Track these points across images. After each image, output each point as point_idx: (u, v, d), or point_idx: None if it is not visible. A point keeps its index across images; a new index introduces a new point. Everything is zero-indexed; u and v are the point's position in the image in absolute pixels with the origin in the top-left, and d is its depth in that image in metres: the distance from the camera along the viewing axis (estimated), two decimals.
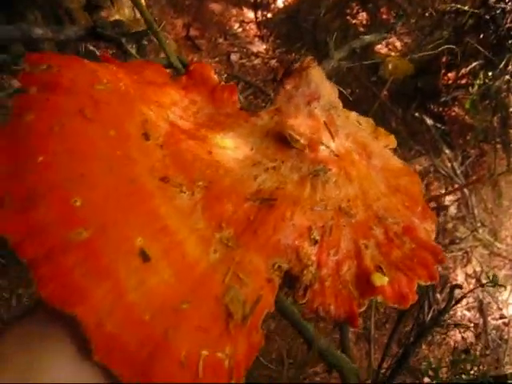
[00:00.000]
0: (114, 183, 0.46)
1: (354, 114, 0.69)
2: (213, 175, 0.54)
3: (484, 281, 3.68)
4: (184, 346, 0.43)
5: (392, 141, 0.70)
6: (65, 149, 0.45)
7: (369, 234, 0.57)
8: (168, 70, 0.69)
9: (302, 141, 0.58)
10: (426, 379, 1.85)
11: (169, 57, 1.15)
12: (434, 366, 1.77)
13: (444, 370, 1.82)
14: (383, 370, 1.83)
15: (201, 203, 0.51)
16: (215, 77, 0.67)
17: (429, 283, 0.54)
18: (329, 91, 0.65)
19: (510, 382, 1.64)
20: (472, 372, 1.75)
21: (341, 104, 0.67)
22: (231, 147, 0.58)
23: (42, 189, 0.42)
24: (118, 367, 0.41)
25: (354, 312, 0.52)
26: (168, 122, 0.58)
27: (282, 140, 0.58)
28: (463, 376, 1.73)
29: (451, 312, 3.34)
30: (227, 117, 0.62)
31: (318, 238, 0.54)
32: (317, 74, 0.65)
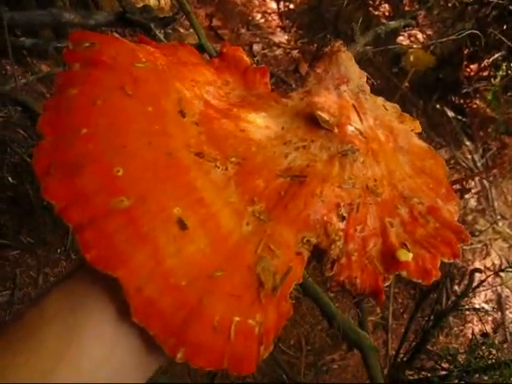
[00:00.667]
0: (153, 156, 0.48)
1: (380, 99, 0.71)
2: (245, 152, 0.56)
3: (502, 274, 3.67)
4: (217, 312, 0.45)
5: (417, 126, 0.71)
6: (107, 122, 0.47)
7: (394, 212, 0.58)
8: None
9: (331, 121, 0.60)
10: (445, 364, 1.86)
11: (200, 38, 1.16)
12: (451, 351, 1.78)
13: (462, 356, 1.82)
14: (401, 356, 1.84)
15: (234, 178, 0.53)
16: (247, 59, 0.69)
17: (452, 260, 0.56)
18: (358, 75, 0.67)
19: None
20: (490, 357, 1.76)
21: (368, 88, 0.68)
22: (263, 126, 0.59)
23: (86, 158, 0.45)
24: (154, 329, 0.43)
25: (379, 286, 0.54)
26: (202, 101, 0.60)
27: (311, 120, 0.60)
28: (482, 361, 1.74)
29: (469, 305, 3.33)
30: (259, 98, 0.64)
31: (345, 214, 0.56)
32: (346, 58, 0.66)
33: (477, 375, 1.73)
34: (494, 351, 1.82)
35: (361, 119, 0.63)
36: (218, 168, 0.53)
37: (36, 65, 2.84)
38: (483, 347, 1.83)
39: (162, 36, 1.28)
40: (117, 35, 0.59)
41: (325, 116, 0.59)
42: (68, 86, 0.49)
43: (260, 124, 0.60)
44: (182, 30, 3.61)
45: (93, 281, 0.45)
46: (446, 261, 0.56)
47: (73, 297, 0.47)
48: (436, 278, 0.55)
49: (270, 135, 0.59)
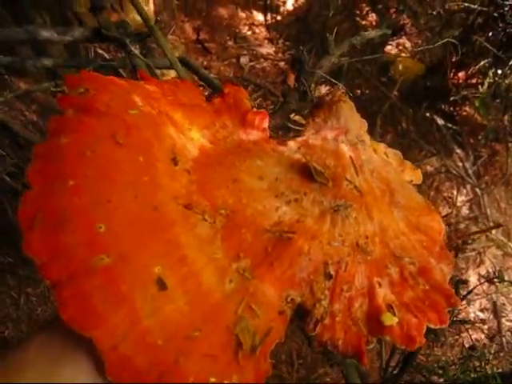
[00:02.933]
0: (138, 210, 0.48)
1: (382, 146, 0.70)
2: (235, 204, 0.55)
3: (496, 281, 3.63)
4: (193, 372, 0.45)
5: (418, 176, 0.71)
6: (95, 174, 0.47)
7: (384, 272, 0.58)
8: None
9: (325, 174, 0.59)
10: (435, 378, 1.85)
11: (165, 53, 1.17)
12: (441, 364, 1.77)
13: (453, 368, 1.81)
14: (391, 369, 1.83)
15: (221, 232, 0.53)
16: (248, 102, 0.68)
17: (438, 327, 0.55)
18: (358, 125, 0.66)
19: None
20: (479, 369, 1.74)
21: (368, 138, 0.68)
22: (256, 176, 0.59)
23: (70, 212, 0.45)
24: None
25: (362, 349, 0.54)
26: (198, 147, 0.60)
27: (306, 172, 0.59)
28: (471, 374, 1.73)
29: (463, 313, 3.29)
30: (255, 144, 0.64)
31: (333, 273, 0.55)
32: (347, 108, 0.66)
33: None
34: (483, 364, 1.80)
35: (357, 172, 0.62)
36: (206, 221, 0.53)
37: (14, 82, 2.85)
38: (473, 359, 1.82)
39: (137, 51, 1.28)
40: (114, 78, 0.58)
41: (320, 168, 0.59)
42: (60, 133, 0.49)
43: (254, 173, 0.59)
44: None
45: (71, 334, 0.45)
46: (432, 327, 0.55)
47: (51, 347, 0.47)
48: (420, 344, 0.54)
49: (262, 186, 0.58)
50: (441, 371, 1.79)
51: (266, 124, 0.67)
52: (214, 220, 0.53)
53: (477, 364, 1.79)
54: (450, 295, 0.57)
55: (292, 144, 0.64)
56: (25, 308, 2.53)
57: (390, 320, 0.53)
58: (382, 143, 0.70)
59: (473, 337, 3.29)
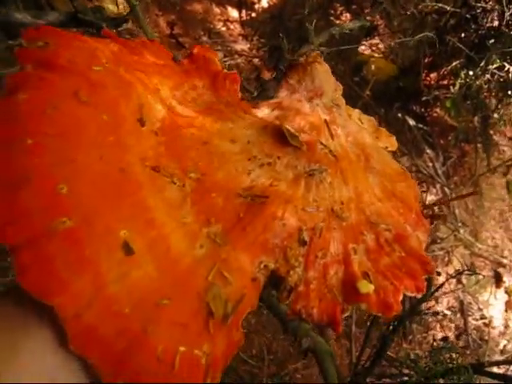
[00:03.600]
0: (103, 171, 0.45)
1: (356, 112, 0.68)
2: (206, 167, 0.53)
3: (464, 280, 3.71)
4: (162, 341, 0.43)
5: (393, 143, 0.69)
6: (56, 132, 0.44)
7: (359, 238, 0.56)
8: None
9: (300, 138, 0.57)
10: (406, 370, 1.87)
11: (145, 33, 1.13)
12: (413, 357, 1.79)
13: (424, 361, 1.84)
14: (362, 362, 1.85)
15: (191, 196, 0.51)
16: (218, 63, 0.65)
17: (414, 294, 0.54)
18: (333, 88, 0.64)
19: (487, 368, 1.67)
20: (450, 361, 1.77)
21: (343, 101, 0.66)
22: (228, 138, 0.57)
23: (29, 172, 0.42)
24: (92, 357, 0.41)
25: (337, 317, 0.52)
26: (166, 108, 0.57)
27: (280, 135, 0.57)
28: (442, 365, 1.75)
29: (431, 311, 3.36)
30: (227, 106, 0.61)
31: (307, 239, 0.53)
32: (322, 70, 0.63)
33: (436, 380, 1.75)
34: (454, 355, 1.83)
35: (332, 136, 0.60)
36: (175, 184, 0.50)
37: None
38: (443, 352, 1.84)
39: None
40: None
41: (293, 132, 0.57)
42: (18, 90, 0.46)
43: (225, 136, 0.57)
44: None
45: (32, 303, 0.43)
46: (408, 294, 0.54)
47: (11, 317, 0.44)
48: (397, 312, 0.52)
49: (234, 149, 0.56)
50: (412, 364, 1.81)
51: (237, 86, 0.64)
52: (183, 183, 0.51)
53: (447, 356, 1.82)
54: (426, 262, 0.56)
55: (265, 106, 0.62)
56: None
57: (365, 287, 0.52)
58: (356, 109, 0.69)
59: (440, 334, 3.37)
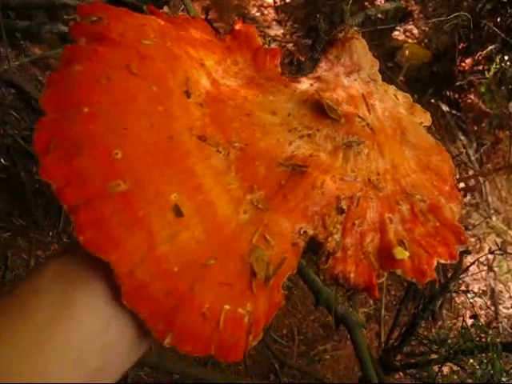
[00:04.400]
0: (154, 139, 0.47)
1: (392, 88, 0.69)
2: (249, 137, 0.55)
3: (496, 268, 3.67)
4: (208, 299, 0.46)
5: (427, 118, 0.70)
6: (110, 101, 0.47)
7: (395, 208, 0.58)
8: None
9: (338, 111, 0.59)
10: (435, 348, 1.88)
11: (189, 12, 1.15)
12: (442, 337, 1.80)
13: (454, 340, 1.84)
14: (392, 341, 1.86)
15: (235, 164, 0.53)
16: (259, 39, 0.67)
17: (448, 262, 0.56)
18: (370, 63, 0.66)
19: None
20: (478, 339, 1.77)
21: (380, 77, 0.67)
22: (269, 111, 0.59)
23: (86, 139, 0.44)
24: (144, 313, 0.43)
25: (373, 282, 0.54)
26: (210, 81, 0.59)
27: (319, 108, 0.59)
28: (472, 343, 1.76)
29: (462, 298, 3.34)
30: (267, 80, 0.63)
31: (345, 207, 0.55)
32: (360, 46, 0.65)
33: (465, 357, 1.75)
34: (482, 334, 1.83)
35: (369, 110, 0.62)
36: (220, 153, 0.53)
37: (29, 48, 2.83)
38: (472, 329, 1.84)
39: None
40: None
41: (332, 105, 0.59)
42: (73, 61, 0.49)
43: (266, 108, 0.59)
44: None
45: (88, 260, 0.45)
46: (442, 261, 0.55)
47: (68, 272, 0.47)
48: (431, 278, 0.54)
49: (275, 121, 0.58)
50: (441, 342, 1.81)
51: (277, 61, 0.66)
52: (227, 152, 0.53)
53: (476, 334, 1.82)
54: (459, 232, 0.58)
55: (304, 80, 0.64)
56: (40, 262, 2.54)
57: (401, 254, 0.54)
58: (391, 85, 0.70)
59: (470, 321, 3.36)
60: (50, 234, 2.65)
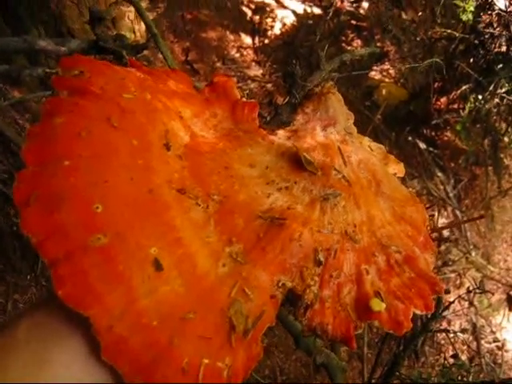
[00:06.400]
0: (134, 192, 0.48)
1: (366, 140, 0.71)
2: (228, 190, 0.56)
3: (477, 303, 3.70)
4: (187, 353, 0.46)
5: (401, 169, 0.72)
6: (90, 155, 0.47)
7: (371, 260, 0.59)
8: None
9: (315, 163, 0.60)
10: None
11: (166, 60, 1.17)
12: (424, 376, 1.80)
13: (435, 380, 1.84)
14: (374, 382, 1.85)
15: (214, 217, 0.53)
16: (237, 92, 0.69)
17: (424, 313, 0.57)
18: (346, 117, 0.68)
19: None
20: (461, 378, 1.77)
21: (355, 130, 0.69)
22: (247, 164, 0.60)
23: (66, 192, 0.45)
24: (123, 367, 0.43)
25: (351, 333, 0.55)
26: (189, 134, 0.60)
27: (296, 161, 0.60)
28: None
29: (444, 334, 3.35)
30: (246, 133, 0.64)
31: (322, 259, 0.56)
32: (336, 100, 0.67)
33: None
34: (464, 373, 1.83)
35: (345, 162, 0.63)
36: (199, 206, 0.53)
37: (9, 91, 2.85)
38: (453, 369, 1.85)
39: None
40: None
41: (309, 158, 0.60)
42: (54, 114, 0.49)
43: (245, 161, 0.60)
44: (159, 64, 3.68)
45: (64, 314, 0.45)
46: (418, 313, 0.56)
47: (43, 328, 0.46)
48: (407, 329, 0.55)
49: (253, 174, 0.59)
50: (423, 382, 1.81)
51: (255, 114, 0.67)
52: (206, 205, 0.54)
53: (458, 373, 1.82)
54: (434, 283, 0.59)
55: (282, 133, 0.65)
56: (12, 314, 2.49)
57: (378, 306, 0.55)
58: (366, 137, 0.72)
59: (452, 359, 3.36)
60: (28, 277, 2.61)
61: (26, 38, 1.41)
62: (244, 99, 0.68)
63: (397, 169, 0.72)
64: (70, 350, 0.45)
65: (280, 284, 0.54)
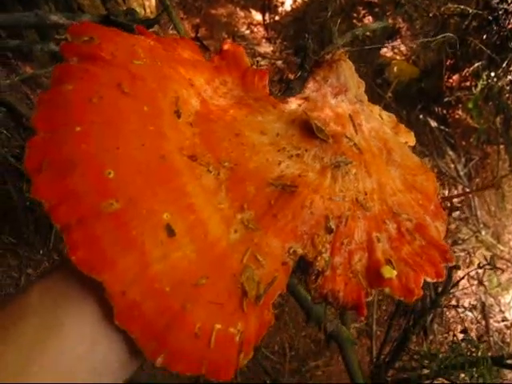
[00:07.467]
0: (146, 158, 0.48)
1: (377, 108, 0.71)
2: (239, 157, 0.56)
3: (486, 282, 3.70)
4: (199, 319, 0.46)
5: (411, 138, 0.72)
6: (102, 121, 0.47)
7: (382, 227, 0.59)
8: None
9: (326, 131, 0.60)
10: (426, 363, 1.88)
11: (179, 32, 1.16)
12: (433, 351, 1.81)
13: (444, 355, 1.85)
14: (383, 356, 1.86)
15: (226, 183, 0.53)
16: (247, 59, 0.68)
17: (435, 280, 0.57)
18: (356, 85, 0.67)
19: (507, 361, 1.68)
20: (469, 353, 1.78)
21: (366, 98, 0.68)
22: (258, 131, 0.59)
23: (78, 158, 0.45)
24: (136, 332, 0.44)
25: (362, 300, 0.55)
26: (199, 101, 0.60)
27: (307, 129, 0.60)
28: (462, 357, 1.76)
29: (453, 312, 3.35)
30: (256, 100, 0.64)
31: (333, 227, 0.56)
32: (347, 67, 0.66)
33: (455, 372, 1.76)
34: (473, 349, 1.84)
35: (356, 130, 0.62)
36: (211, 172, 0.53)
37: (20, 66, 2.85)
38: (463, 344, 1.85)
39: None
40: None
41: (320, 126, 0.59)
42: (64, 81, 0.49)
43: (255, 128, 0.60)
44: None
45: (77, 279, 0.45)
46: (429, 280, 0.56)
47: (56, 293, 0.47)
48: (418, 296, 0.55)
49: (264, 141, 0.59)
50: (432, 357, 1.82)
51: (265, 82, 0.67)
52: (218, 172, 0.54)
53: (467, 349, 1.83)
54: (445, 251, 0.59)
55: (292, 101, 0.65)
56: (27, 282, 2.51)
57: (389, 273, 0.55)
58: (376, 105, 0.71)
59: (461, 336, 3.37)
60: (41, 251, 2.63)
61: (37, 12, 1.40)
62: (254, 67, 0.68)
63: (407, 137, 0.71)
64: (82, 314, 0.45)
65: (291, 251, 0.54)
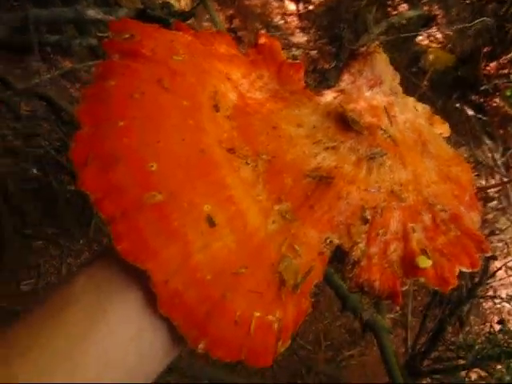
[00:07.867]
0: (186, 152, 0.49)
1: (411, 100, 0.71)
2: (276, 150, 0.57)
3: None
4: (239, 307, 0.47)
5: (446, 129, 0.72)
6: (144, 116, 0.49)
7: (417, 218, 0.59)
8: None
9: (361, 123, 0.60)
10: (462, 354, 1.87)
11: (216, 26, 1.17)
12: (469, 342, 1.80)
13: (480, 346, 1.84)
14: (419, 347, 1.85)
15: (263, 176, 0.55)
16: (283, 53, 0.69)
17: (470, 270, 0.57)
18: (391, 77, 0.67)
19: None
20: (506, 344, 1.77)
21: (401, 90, 0.69)
22: (295, 123, 0.60)
23: (121, 152, 0.46)
24: (178, 320, 0.45)
25: (397, 289, 0.56)
26: (236, 94, 0.61)
27: (342, 121, 0.61)
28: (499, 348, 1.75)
29: (489, 303, 3.32)
30: (292, 94, 0.65)
31: (369, 217, 0.57)
32: (381, 60, 0.67)
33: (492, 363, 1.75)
34: (510, 340, 1.83)
35: (391, 122, 0.63)
36: (249, 165, 0.54)
37: (60, 61, 2.90)
38: (499, 335, 1.84)
39: None
40: None
41: (356, 118, 0.60)
42: (107, 77, 0.51)
43: (292, 121, 0.61)
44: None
45: (121, 268, 0.47)
46: (464, 270, 0.57)
47: (99, 281, 0.48)
48: (453, 286, 0.56)
49: (300, 133, 0.60)
50: (468, 347, 1.81)
51: (301, 75, 0.68)
52: (256, 164, 0.55)
53: (504, 340, 1.82)
54: (480, 241, 0.59)
55: (328, 94, 0.66)
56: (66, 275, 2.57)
57: (424, 263, 0.55)
58: (411, 97, 0.72)
59: (498, 326, 3.32)
60: (81, 241, 2.68)
61: (76, 7, 1.43)
62: (290, 60, 0.69)
63: (442, 129, 0.72)
64: (125, 301, 0.47)
65: (328, 241, 0.55)
